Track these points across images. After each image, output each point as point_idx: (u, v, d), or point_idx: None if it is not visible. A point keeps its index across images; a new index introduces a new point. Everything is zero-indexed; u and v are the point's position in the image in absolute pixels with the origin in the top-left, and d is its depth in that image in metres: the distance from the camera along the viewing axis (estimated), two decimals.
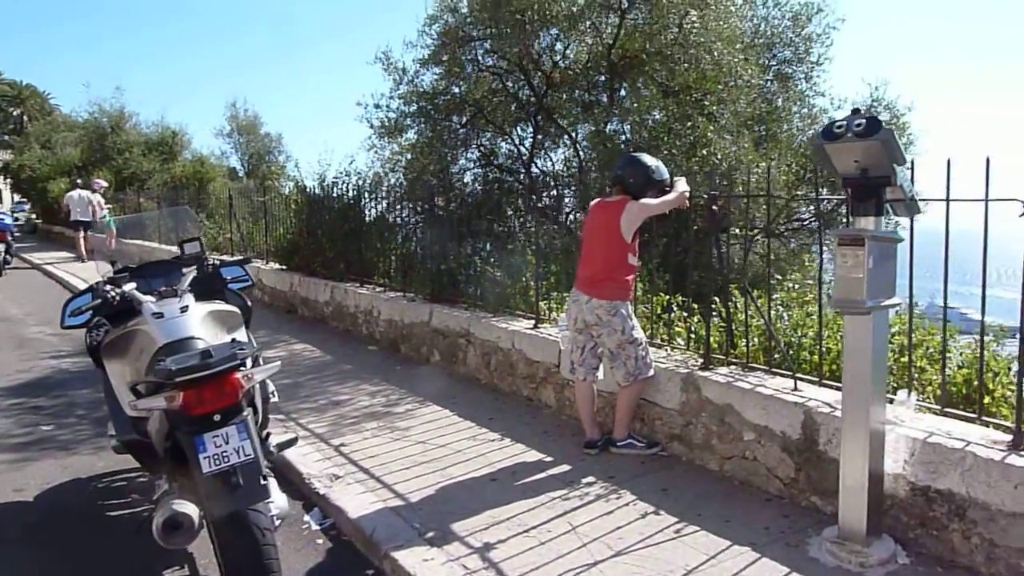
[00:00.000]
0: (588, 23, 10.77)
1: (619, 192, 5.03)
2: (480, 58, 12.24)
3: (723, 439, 4.62)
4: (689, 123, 9.16)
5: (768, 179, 5.17)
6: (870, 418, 3.48)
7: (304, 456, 5.07)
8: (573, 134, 12.14)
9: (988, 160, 3.52)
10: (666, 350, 5.53)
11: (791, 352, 4.86)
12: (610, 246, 4.91)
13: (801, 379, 4.51)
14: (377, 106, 12.83)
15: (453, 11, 11.63)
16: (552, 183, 12.54)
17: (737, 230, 5.68)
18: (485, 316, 7.11)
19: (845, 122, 3.34)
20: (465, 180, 13.73)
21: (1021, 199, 3.47)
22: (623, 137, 10.09)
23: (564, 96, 11.85)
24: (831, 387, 4.35)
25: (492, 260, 7.49)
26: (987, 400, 4.22)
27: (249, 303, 4.39)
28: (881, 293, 3.43)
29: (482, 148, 13.78)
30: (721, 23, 9.69)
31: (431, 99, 12.36)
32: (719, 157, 8.85)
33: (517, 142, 13.85)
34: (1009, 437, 3.49)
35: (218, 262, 4.28)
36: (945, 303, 4.09)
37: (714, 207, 5.02)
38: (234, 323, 3.92)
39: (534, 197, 7.45)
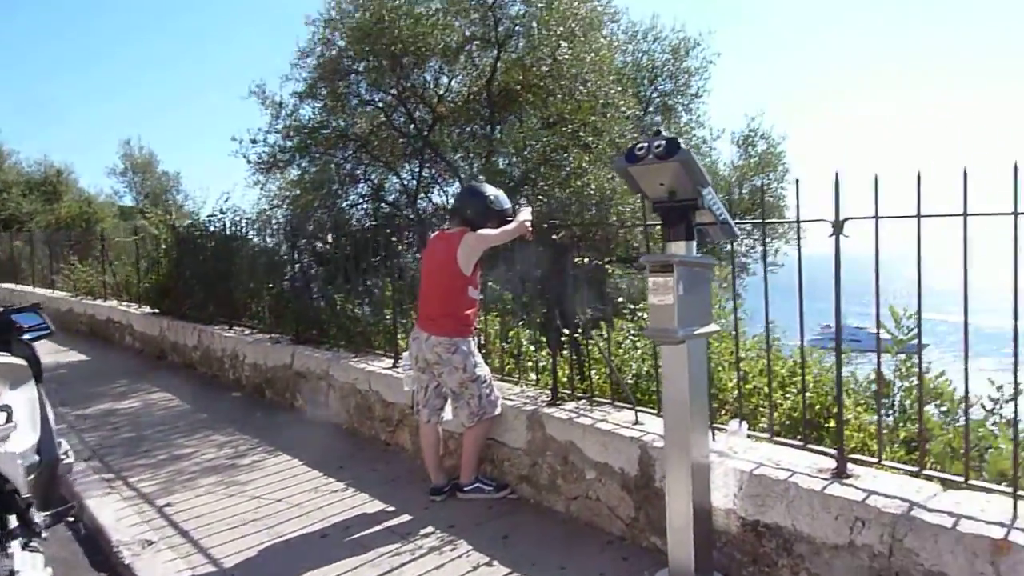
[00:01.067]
0: (464, 57, 10.69)
1: (458, 224, 4.82)
2: (363, 92, 12.00)
3: (567, 479, 4.41)
4: (565, 154, 9.13)
5: (644, 208, 5.06)
6: (692, 450, 3.31)
7: (120, 520, 4.59)
8: (461, 168, 12.00)
9: (837, 175, 3.41)
10: (521, 385, 5.31)
11: (637, 382, 4.71)
12: (448, 280, 4.68)
13: (642, 411, 4.34)
14: (254, 141, 12.40)
15: (327, 43, 11.39)
16: (445, 217, 12.31)
17: (585, 259, 5.53)
18: (346, 357, 6.77)
19: (646, 144, 3.21)
20: (355, 216, 13.39)
21: (830, 219, 3.41)
22: (515, 172, 10.01)
23: (448, 131, 11.71)
24: None
25: (355, 298, 7.16)
26: (833, 425, 4.14)
27: (38, 354, 3.94)
28: (695, 320, 3.29)
29: (371, 183, 13.48)
30: (594, 55, 9.75)
31: (312, 134, 12.01)
32: (593, 188, 8.81)
33: (409, 178, 13.62)
34: (834, 464, 3.38)
35: (4, 308, 3.85)
36: (802, 329, 3.98)
37: (554, 236, 4.86)
38: (19, 377, 3.49)
39: (407, 234, 7.16)
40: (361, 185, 13.62)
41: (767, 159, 12.73)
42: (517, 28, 10.15)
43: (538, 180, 8.73)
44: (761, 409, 4.80)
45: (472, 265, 4.70)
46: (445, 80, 12.05)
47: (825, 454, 3.50)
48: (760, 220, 3.66)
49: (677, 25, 13.21)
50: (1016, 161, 2.78)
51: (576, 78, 9.54)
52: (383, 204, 13.33)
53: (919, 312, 3.61)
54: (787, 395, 5.04)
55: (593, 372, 4.93)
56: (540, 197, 8.54)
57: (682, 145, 3.12)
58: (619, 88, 10.39)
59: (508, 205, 4.90)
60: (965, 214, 2.93)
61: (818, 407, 4.81)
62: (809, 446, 3.59)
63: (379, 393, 6.03)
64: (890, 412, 6.31)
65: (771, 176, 12.87)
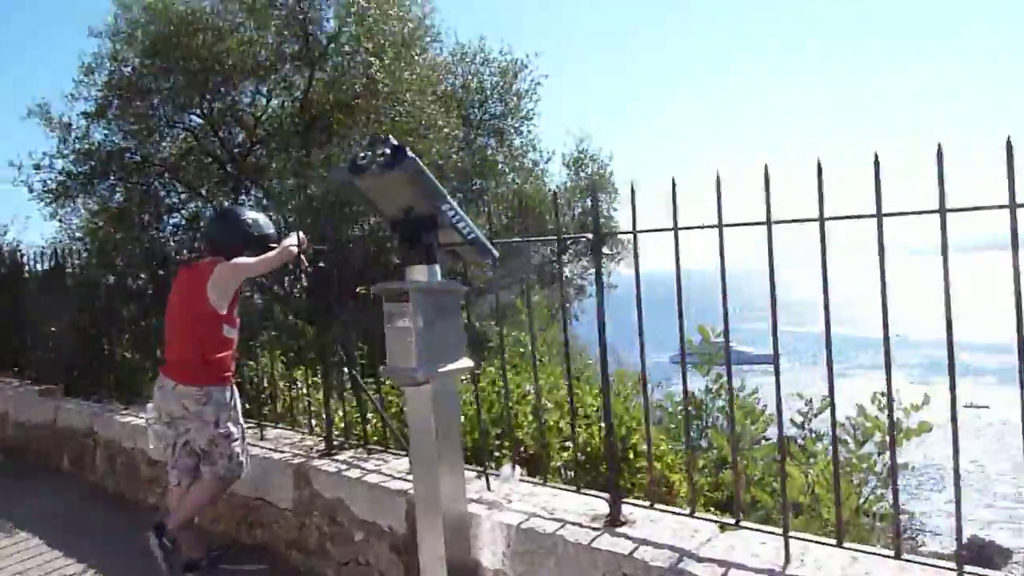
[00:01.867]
0: (278, 77, 10.00)
1: (211, 254, 4.17)
2: (167, 113, 10.99)
3: (336, 542, 3.83)
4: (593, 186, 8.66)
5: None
6: (443, 503, 2.83)
7: None
8: (281, 195, 11.20)
9: (594, 186, 3.05)
10: (301, 433, 4.69)
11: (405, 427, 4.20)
12: (197, 319, 4.01)
13: None
14: (38, 167, 10.95)
15: (117, 59, 10.34)
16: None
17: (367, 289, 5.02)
18: (115, 409, 5.90)
19: (369, 152, 2.74)
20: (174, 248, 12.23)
21: (589, 235, 3.08)
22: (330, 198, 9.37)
23: (268, 156, 10.91)
24: None
25: (128, 339, 6.31)
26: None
27: None
28: (441, 356, 2.83)
29: (187, 212, 12.40)
30: (411, 74, 9.35)
31: (109, 159, 10.84)
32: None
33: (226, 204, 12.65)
34: (607, 510, 3.00)
35: None
36: (604, 358, 3.59)
37: (321, 264, 4.31)
38: None
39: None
40: (176, 215, 12.50)
41: (597, 180, 12.77)
42: (331, 46, 9.58)
43: (349, 205, 8.15)
44: (565, 447, 4.45)
45: (227, 300, 4.06)
46: (264, 101, 11.28)
47: (600, 497, 3.12)
48: (522, 239, 3.28)
49: (505, 47, 13.03)
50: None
51: (391, 97, 9.09)
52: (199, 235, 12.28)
53: (724, 331, 3.30)
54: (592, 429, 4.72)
55: (374, 415, 4.40)
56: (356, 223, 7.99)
57: (409, 153, 2.67)
58: (442, 109, 10.03)
59: (271, 231, 4.32)
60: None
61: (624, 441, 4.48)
62: (583, 490, 3.20)
63: (144, 451, 5.23)
64: (704, 436, 6.18)
65: (601, 197, 12.90)
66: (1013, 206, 2.02)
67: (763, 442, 5.68)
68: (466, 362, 2.92)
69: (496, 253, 3.14)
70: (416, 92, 9.41)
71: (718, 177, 2.57)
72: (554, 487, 3.29)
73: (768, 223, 2.48)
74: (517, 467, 3.34)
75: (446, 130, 9.79)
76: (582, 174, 12.88)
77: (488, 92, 12.61)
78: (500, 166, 12.43)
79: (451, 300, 2.92)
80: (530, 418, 4.45)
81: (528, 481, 3.36)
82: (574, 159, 12.98)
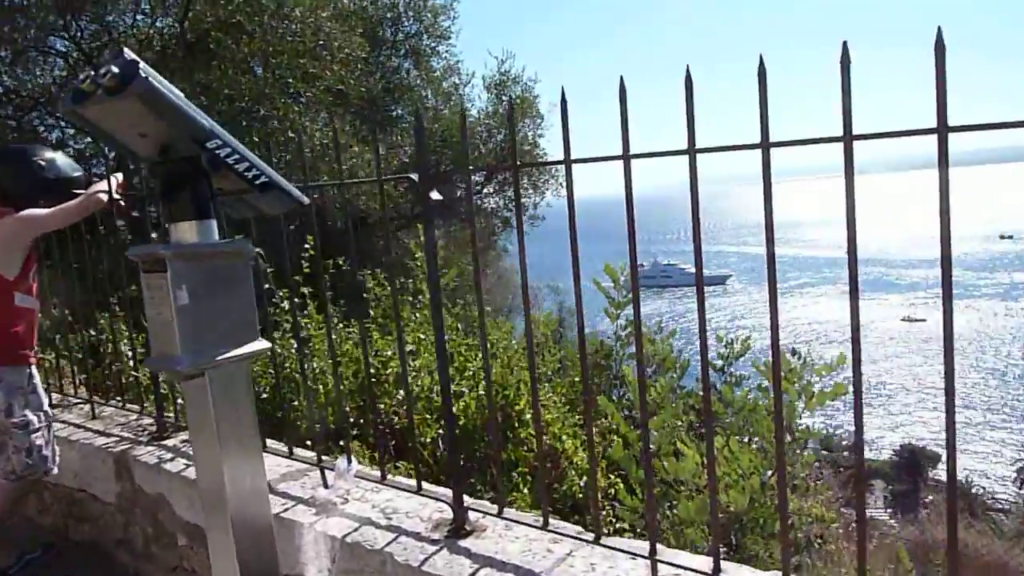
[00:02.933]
0: None
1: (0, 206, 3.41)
2: (33, 38, 9.74)
3: (160, 543, 3.25)
4: (271, 105, 7.75)
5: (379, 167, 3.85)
6: (234, 509, 2.24)
7: None
8: None
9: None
10: (135, 412, 4.03)
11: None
12: None
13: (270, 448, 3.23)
14: None
15: None
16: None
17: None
18: None
19: (92, 73, 2.01)
20: None
21: (414, 176, 2.44)
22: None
23: None
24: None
25: None
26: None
27: None
28: (220, 340, 2.19)
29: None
30: None
31: None
32: (312, 142, 7.53)
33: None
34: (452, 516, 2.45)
35: None
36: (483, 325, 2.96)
37: (135, 213, 3.58)
38: None
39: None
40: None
41: (521, 105, 11.96)
42: None
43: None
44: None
45: (17, 262, 3.34)
46: (148, 22, 10.09)
47: (443, 501, 2.56)
48: (338, 181, 2.63)
49: None
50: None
51: (277, 14, 8.11)
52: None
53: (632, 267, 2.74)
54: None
55: None
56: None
57: (142, 70, 1.95)
58: (343, 28, 9.07)
59: (75, 174, 3.57)
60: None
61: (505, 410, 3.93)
62: (424, 491, 2.63)
63: None
64: (615, 387, 5.68)
65: (527, 123, 12.15)
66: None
67: (678, 391, 5.24)
68: (257, 344, 2.29)
69: (305, 199, 2.48)
70: (308, 7, 8.43)
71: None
72: (391, 484, 2.72)
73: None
74: (352, 460, 2.75)
75: (347, 50, 8.86)
76: (504, 98, 12.03)
77: (401, 9, 11.58)
78: (418, 90, 11.56)
79: (233, 266, 2.25)
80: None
81: (364, 478, 2.79)
82: (496, 82, 12.11)
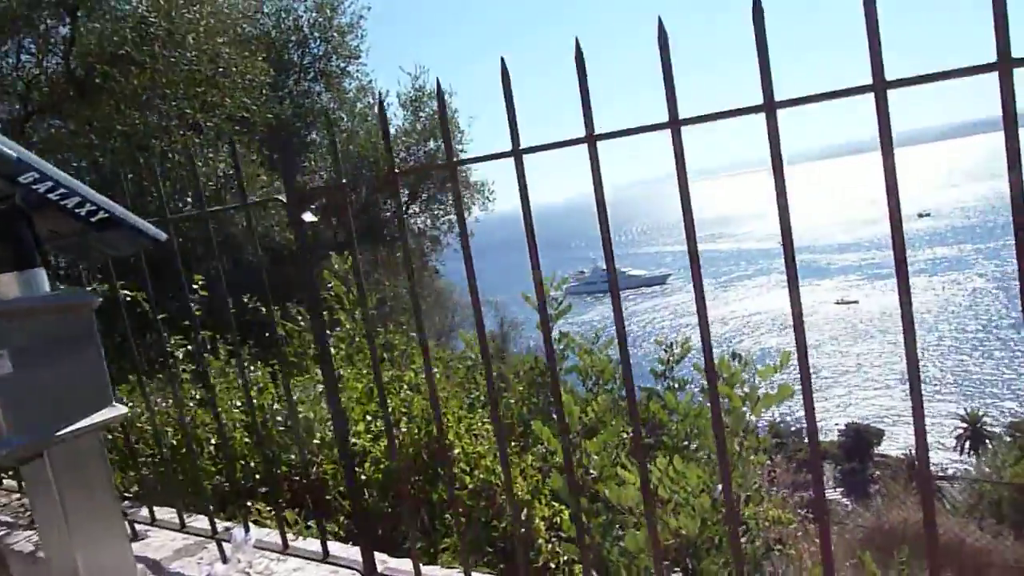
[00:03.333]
0: (37, 31, 8.29)
1: None
2: None
3: None
4: (169, 137, 7.28)
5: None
6: None
7: None
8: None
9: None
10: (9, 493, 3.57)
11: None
12: None
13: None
14: None
15: None
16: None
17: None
18: None
19: None
20: None
21: (281, 196, 2.13)
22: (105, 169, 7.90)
23: (47, 127, 9.20)
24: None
25: None
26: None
27: None
28: (57, 413, 1.82)
29: None
30: (195, 14, 7.89)
31: None
32: (215, 173, 7.09)
33: None
34: None
35: None
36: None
37: None
38: None
39: None
40: None
41: (437, 120, 11.64)
42: None
43: (131, 175, 6.81)
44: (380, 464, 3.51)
45: None
46: (34, 61, 9.48)
47: (353, 568, 2.22)
48: (202, 210, 2.29)
49: None
50: None
51: (170, 42, 7.64)
52: None
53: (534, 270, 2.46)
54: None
55: None
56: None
57: None
58: (244, 53, 8.63)
59: None
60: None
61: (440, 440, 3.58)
62: (332, 555, 2.29)
63: None
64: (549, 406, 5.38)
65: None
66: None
67: (620, 402, 4.97)
68: (109, 412, 1.92)
69: (162, 236, 2.13)
70: (205, 35, 7.99)
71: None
72: (299, 553, 2.37)
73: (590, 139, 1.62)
74: (249, 530, 2.39)
75: (249, 76, 8.43)
76: (421, 114, 11.73)
77: (306, 31, 11.19)
78: (331, 112, 11.16)
79: (70, 321, 1.89)
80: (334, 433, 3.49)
81: (265, 548, 2.43)
82: (411, 98, 11.79)
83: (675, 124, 1.48)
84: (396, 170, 1.95)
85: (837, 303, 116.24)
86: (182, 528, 2.68)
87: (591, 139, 1.65)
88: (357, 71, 11.88)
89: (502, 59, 1.74)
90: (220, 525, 2.54)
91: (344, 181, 2.03)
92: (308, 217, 2.07)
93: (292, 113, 10.50)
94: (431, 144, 11.54)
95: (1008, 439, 58.74)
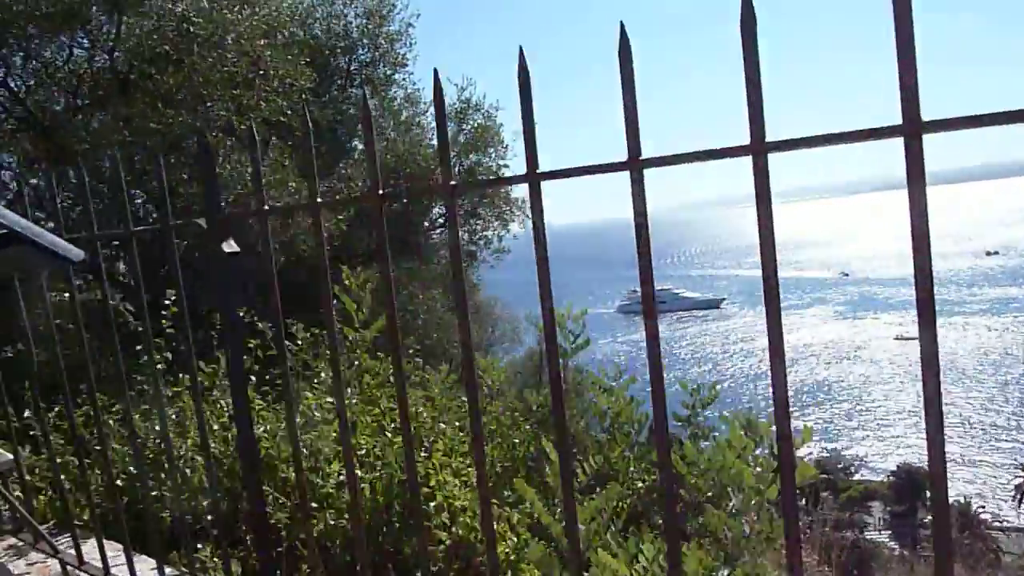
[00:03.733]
0: (89, 27, 8.31)
1: None
2: None
3: None
4: (205, 137, 7.15)
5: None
6: None
7: None
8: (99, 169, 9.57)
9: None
10: None
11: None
12: None
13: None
14: None
15: None
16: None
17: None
18: None
19: None
20: None
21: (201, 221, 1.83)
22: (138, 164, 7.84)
23: (87, 120, 9.21)
24: None
25: None
26: None
27: None
28: None
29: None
30: (237, 15, 7.79)
31: None
32: (234, 176, 6.94)
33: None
34: None
35: None
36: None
37: None
38: None
39: None
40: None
41: (482, 133, 11.43)
42: None
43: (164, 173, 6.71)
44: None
45: None
46: (85, 55, 9.54)
47: None
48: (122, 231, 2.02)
49: None
50: None
51: (209, 44, 7.54)
52: None
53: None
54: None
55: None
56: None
57: None
58: (287, 56, 8.52)
59: None
60: None
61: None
62: None
63: None
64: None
65: (490, 152, 11.62)
66: None
67: (636, 449, 4.58)
68: None
69: (76, 255, 1.86)
70: (247, 36, 7.89)
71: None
72: None
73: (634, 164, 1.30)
74: None
75: (289, 80, 8.30)
76: (465, 126, 11.51)
77: (355, 37, 11.07)
78: (376, 120, 11.04)
79: None
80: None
81: None
82: (457, 110, 11.57)
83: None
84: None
85: (896, 339, 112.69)
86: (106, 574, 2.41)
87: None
88: (404, 79, 11.76)
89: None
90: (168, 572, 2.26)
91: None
92: (229, 247, 1.78)
93: (333, 119, 10.37)
94: (472, 157, 11.32)
95: None
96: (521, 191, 12.21)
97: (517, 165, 11.83)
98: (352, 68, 11.31)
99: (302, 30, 10.37)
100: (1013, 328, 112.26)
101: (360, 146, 11.49)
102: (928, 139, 1.07)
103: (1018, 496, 59.05)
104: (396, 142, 10.58)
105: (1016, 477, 60.33)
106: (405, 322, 10.66)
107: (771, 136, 1.16)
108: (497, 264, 13.30)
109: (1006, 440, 73.62)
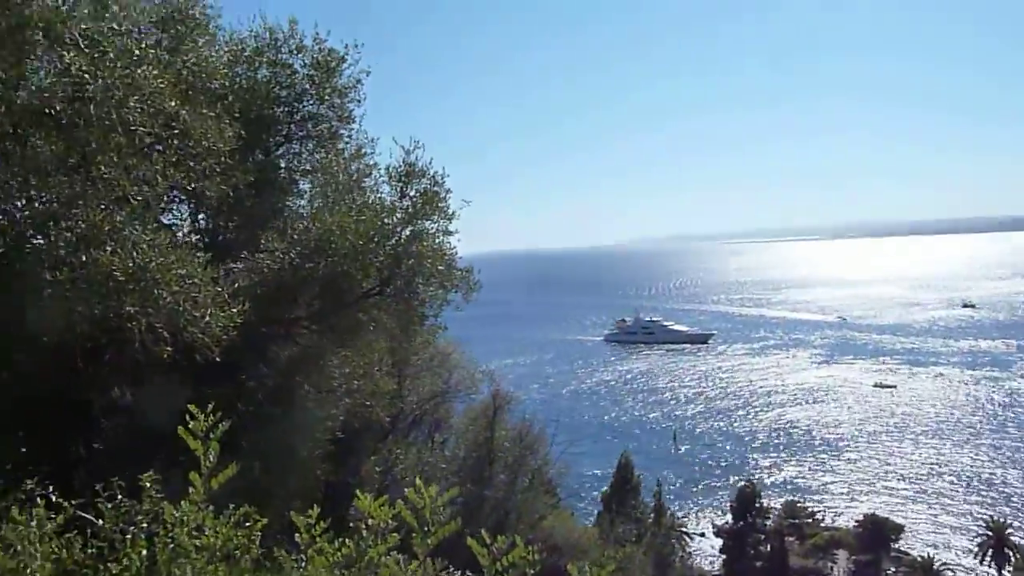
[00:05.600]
0: None
1: None
2: None
3: None
4: (84, 208, 6.37)
5: None
6: None
7: None
8: None
9: None
10: None
11: None
12: None
13: None
14: None
15: None
16: None
17: None
18: None
19: None
20: None
21: None
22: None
23: None
24: None
25: None
26: None
27: None
28: None
29: None
30: (145, 71, 6.94)
31: None
32: (124, 260, 6.16)
33: None
34: None
35: None
36: None
37: None
38: None
39: None
40: None
41: (428, 199, 10.60)
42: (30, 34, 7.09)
43: (33, 253, 5.92)
44: None
45: None
46: None
47: None
48: None
49: (322, 32, 10.63)
50: None
51: (104, 104, 6.67)
52: None
53: None
54: None
55: None
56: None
57: None
58: (207, 114, 7.69)
59: None
60: None
61: None
62: None
63: None
64: None
65: (435, 219, 10.78)
66: None
67: None
68: None
69: None
70: (158, 95, 7.05)
71: None
72: None
73: None
74: None
75: (205, 142, 7.45)
76: (410, 191, 10.69)
77: (299, 88, 10.30)
78: (309, 181, 10.30)
79: None
80: None
81: None
82: (403, 173, 10.72)
83: None
84: None
85: (875, 386, 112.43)
86: None
87: None
88: (350, 136, 10.99)
89: None
90: None
91: None
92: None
93: (266, 176, 9.53)
94: (419, 224, 10.54)
95: None
96: (465, 262, 11.47)
97: (464, 231, 11.11)
98: (296, 119, 10.53)
99: (234, 81, 9.56)
100: (981, 383, 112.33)
101: (301, 203, 10.71)
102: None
103: (979, 554, 58.74)
104: (324, 211, 9.61)
105: (979, 536, 60.03)
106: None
107: None
108: (454, 314, 12.69)
109: (974, 495, 73.49)
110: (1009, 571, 55.62)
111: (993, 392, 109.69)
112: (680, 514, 64.86)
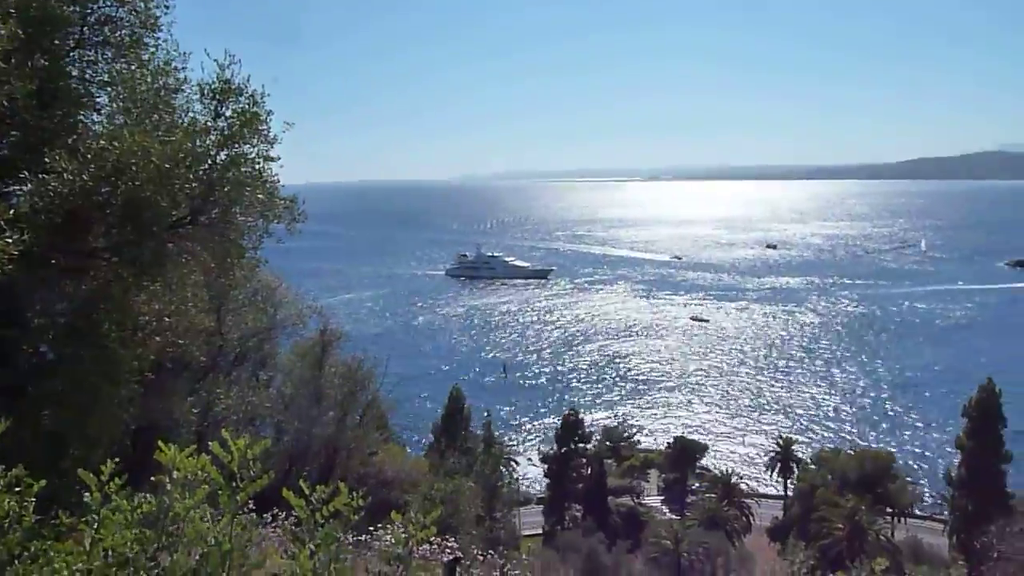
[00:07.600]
0: None
1: None
2: None
3: None
4: None
5: None
6: None
7: None
8: None
9: None
10: None
11: None
12: None
13: None
14: None
15: None
16: None
17: None
18: None
19: None
20: None
21: None
22: None
23: None
24: None
25: None
26: None
27: None
28: None
29: None
30: None
31: None
32: None
33: None
34: None
35: None
36: None
37: None
38: None
39: None
40: None
41: (246, 120, 9.69)
42: None
43: None
44: None
45: None
46: None
47: None
48: None
49: None
50: None
51: None
52: None
53: None
54: None
55: None
56: None
57: None
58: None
59: None
60: None
61: None
62: None
63: None
64: None
65: (254, 142, 9.91)
66: None
67: None
68: None
69: None
70: None
71: None
72: None
73: None
74: None
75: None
76: (225, 111, 9.70)
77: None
78: (106, 94, 9.13)
79: None
80: None
81: None
82: (216, 90, 9.65)
83: None
84: None
85: (691, 319, 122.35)
86: None
87: None
88: (156, 46, 9.81)
89: None
90: None
91: None
92: None
93: (43, 89, 8.31)
94: (236, 148, 9.66)
95: (813, 465, 63.24)
96: (288, 191, 10.72)
97: (285, 157, 10.31)
98: (90, 22, 9.24)
99: None
100: (779, 316, 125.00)
101: (97, 119, 9.49)
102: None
103: (770, 466, 65.86)
104: (124, 130, 8.53)
105: (770, 452, 67.16)
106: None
107: None
108: (281, 246, 11.91)
109: (770, 415, 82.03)
110: (793, 483, 62.75)
111: (789, 323, 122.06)
112: (510, 443, 67.46)
